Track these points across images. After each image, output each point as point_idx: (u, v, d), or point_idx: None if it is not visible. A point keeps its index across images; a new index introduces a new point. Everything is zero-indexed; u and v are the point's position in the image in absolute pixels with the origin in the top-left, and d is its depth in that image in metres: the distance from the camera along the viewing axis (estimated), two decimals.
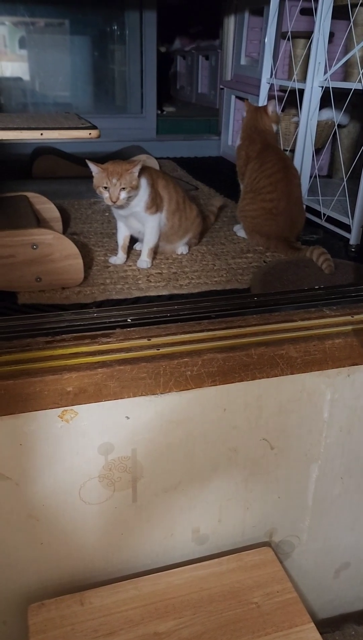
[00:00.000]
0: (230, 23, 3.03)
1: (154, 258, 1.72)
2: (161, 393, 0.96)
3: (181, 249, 1.79)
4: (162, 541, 1.12)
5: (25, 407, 0.90)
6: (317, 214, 1.97)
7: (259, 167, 1.83)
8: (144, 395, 0.95)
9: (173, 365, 0.95)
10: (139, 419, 0.98)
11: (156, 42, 3.14)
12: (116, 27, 3.16)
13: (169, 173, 2.77)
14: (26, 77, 3.21)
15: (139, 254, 1.71)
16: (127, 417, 0.98)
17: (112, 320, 1.10)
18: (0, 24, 3.08)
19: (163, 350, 0.98)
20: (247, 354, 0.98)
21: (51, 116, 1.71)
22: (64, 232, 1.91)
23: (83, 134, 1.46)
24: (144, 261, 1.68)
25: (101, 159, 1.65)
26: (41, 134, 1.43)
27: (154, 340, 1.01)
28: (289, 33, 2.14)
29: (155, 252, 1.72)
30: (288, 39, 2.20)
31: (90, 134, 1.47)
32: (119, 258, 1.71)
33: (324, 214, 1.92)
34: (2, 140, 1.44)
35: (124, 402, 0.95)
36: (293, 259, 1.73)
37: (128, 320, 1.10)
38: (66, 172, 2.59)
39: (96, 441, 0.98)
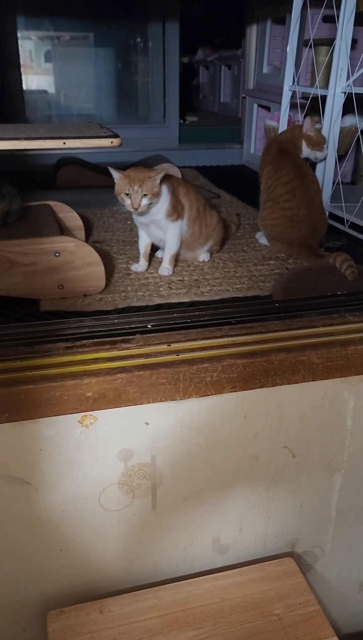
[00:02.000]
0: (252, 32, 3.03)
1: (175, 265, 1.72)
2: (181, 399, 0.95)
3: (203, 256, 1.79)
4: (182, 550, 1.11)
5: (45, 412, 0.90)
6: (340, 220, 1.95)
7: (274, 173, 1.82)
8: (163, 401, 0.95)
9: (193, 371, 0.94)
10: (159, 425, 0.97)
11: (179, 53, 3.16)
12: (139, 39, 3.19)
13: (191, 182, 2.78)
14: (51, 89, 3.26)
15: (160, 262, 1.71)
16: (147, 423, 0.97)
17: (132, 326, 1.09)
18: (26, 38, 3.14)
19: (182, 356, 0.97)
20: (268, 360, 0.97)
21: (74, 126, 1.72)
22: (87, 240, 1.92)
23: (105, 142, 1.47)
24: (165, 268, 1.68)
25: (123, 169, 1.67)
26: (64, 142, 1.45)
27: (174, 346, 1.00)
28: (311, 40, 2.13)
29: (176, 259, 1.72)
30: (311, 47, 2.19)
31: (111, 142, 1.48)
32: (140, 265, 1.71)
33: (347, 221, 1.90)
34: (26, 149, 1.45)
35: (143, 407, 0.95)
36: (316, 266, 1.71)
37: (148, 326, 1.09)
38: (89, 181, 2.61)
39: (115, 447, 0.97)
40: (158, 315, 1.14)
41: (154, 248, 1.76)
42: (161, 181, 1.56)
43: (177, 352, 0.98)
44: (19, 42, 2.96)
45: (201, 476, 1.04)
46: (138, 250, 1.73)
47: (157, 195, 1.54)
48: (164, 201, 1.60)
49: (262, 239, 1.94)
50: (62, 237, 1.51)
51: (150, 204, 1.53)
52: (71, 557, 1.04)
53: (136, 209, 1.51)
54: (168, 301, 1.53)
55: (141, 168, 1.57)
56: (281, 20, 2.81)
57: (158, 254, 1.79)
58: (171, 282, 1.64)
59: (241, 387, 0.97)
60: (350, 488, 1.15)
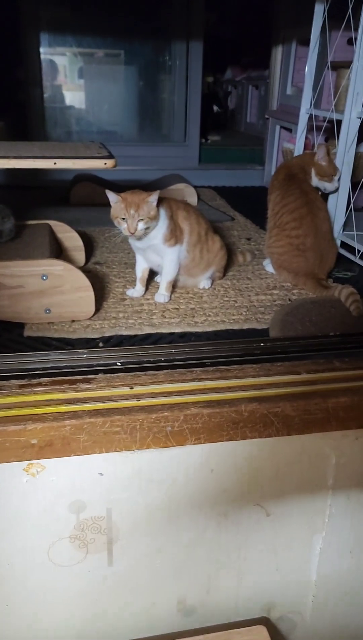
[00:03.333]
0: (278, 53, 2.95)
1: (173, 292, 1.63)
2: (138, 449, 0.86)
3: (204, 283, 1.69)
4: (143, 611, 1.00)
5: None
6: (353, 250, 1.83)
7: (281, 199, 1.72)
8: (118, 450, 0.85)
9: (151, 420, 0.84)
10: (115, 476, 0.88)
11: (202, 72, 3.10)
12: (162, 58, 3.14)
13: (207, 202, 2.69)
14: (73, 106, 3.23)
15: (158, 287, 1.62)
16: (101, 474, 0.87)
17: (100, 362, 1.01)
18: (48, 54, 3.13)
19: (143, 402, 0.88)
20: (236, 410, 0.86)
21: (71, 145, 1.66)
22: (88, 261, 1.86)
23: (98, 163, 1.40)
24: (161, 295, 1.59)
25: (140, 187, 1.59)
26: (55, 162, 1.38)
27: (137, 389, 0.91)
28: (328, 63, 2.03)
29: (174, 285, 1.63)
30: (331, 69, 2.09)
31: (105, 163, 1.40)
32: (136, 291, 1.63)
33: (359, 251, 1.78)
34: (16, 168, 1.39)
35: (96, 457, 0.85)
36: (319, 299, 1.59)
37: (118, 363, 1.00)
38: (103, 199, 2.54)
39: (65, 498, 0.88)
40: (129, 351, 1.04)
41: (154, 272, 1.68)
42: (159, 204, 1.48)
43: (139, 396, 0.89)
44: (42, 57, 2.94)
45: (163, 532, 0.93)
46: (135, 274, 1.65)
47: (154, 218, 1.46)
48: (161, 226, 1.52)
49: (269, 267, 1.84)
50: (50, 260, 1.43)
51: (147, 228, 1.45)
52: (18, 614, 0.95)
53: (133, 234, 1.43)
54: (158, 331, 1.44)
55: (138, 191, 1.49)
56: (307, 41, 2.71)
57: (157, 278, 1.70)
58: (166, 310, 1.55)
59: (206, 439, 0.87)
60: (332, 550, 1.03)
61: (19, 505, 0.87)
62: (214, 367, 0.97)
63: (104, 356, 1.02)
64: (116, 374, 0.94)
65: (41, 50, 2.93)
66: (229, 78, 3.95)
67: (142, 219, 1.43)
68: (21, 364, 0.98)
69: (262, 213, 2.43)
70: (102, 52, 3.14)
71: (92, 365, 0.99)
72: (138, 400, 0.87)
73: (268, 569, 1.02)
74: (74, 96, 3.16)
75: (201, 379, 0.94)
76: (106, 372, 0.96)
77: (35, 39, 2.94)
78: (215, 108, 3.67)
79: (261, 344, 1.08)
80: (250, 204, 2.69)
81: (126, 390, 0.90)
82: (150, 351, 1.05)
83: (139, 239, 1.48)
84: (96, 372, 0.95)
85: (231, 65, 3.93)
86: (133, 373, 0.95)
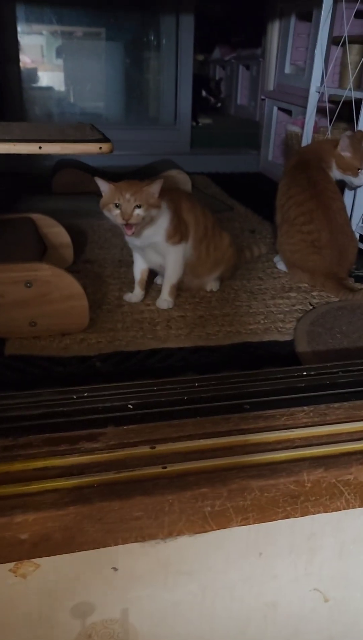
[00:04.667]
0: (274, 29, 2.68)
1: (177, 296, 1.38)
2: (166, 538, 0.62)
3: (211, 284, 1.45)
4: None
5: None
6: None
7: (287, 189, 1.49)
8: (140, 541, 0.61)
9: (185, 499, 0.60)
10: (133, 570, 0.64)
11: (194, 49, 2.81)
12: (150, 33, 2.84)
13: (202, 190, 2.43)
14: (54, 86, 2.93)
15: (160, 290, 1.38)
16: (115, 569, 0.64)
17: (106, 405, 0.76)
18: (26, 31, 2.81)
19: (171, 468, 0.64)
20: (296, 482, 0.63)
21: (57, 126, 1.39)
22: (77, 260, 1.60)
23: (92, 147, 1.13)
24: (164, 301, 1.35)
25: (129, 174, 1.34)
26: (40, 147, 1.11)
27: (160, 449, 0.67)
28: (345, 37, 1.78)
29: (179, 288, 1.39)
30: (341, 45, 1.84)
31: (100, 147, 1.14)
32: (135, 295, 1.38)
33: None
34: None
35: (109, 550, 0.61)
36: (348, 304, 1.36)
37: (129, 405, 0.76)
38: (89, 187, 2.26)
39: (67, 601, 0.64)
40: (141, 387, 0.80)
41: (154, 272, 1.43)
42: (160, 197, 1.22)
43: (163, 459, 0.65)
44: (18, 32, 2.62)
45: (194, 633, 0.70)
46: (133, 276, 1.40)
47: (155, 207, 1.21)
48: (163, 220, 1.26)
49: (281, 264, 1.60)
50: (35, 264, 1.18)
51: (144, 217, 1.19)
52: None
53: (127, 221, 1.17)
54: (165, 345, 1.20)
55: (135, 181, 1.23)
56: (307, 16, 2.45)
57: (157, 280, 1.46)
58: (171, 319, 1.31)
59: (256, 518, 0.63)
60: None
61: (3, 615, 0.62)
62: (255, 413, 0.73)
63: (111, 395, 0.78)
64: (129, 426, 0.70)
65: (18, 25, 2.61)
66: (217, 58, 3.66)
67: (139, 205, 1.17)
68: (2, 409, 0.73)
69: (263, 201, 2.19)
70: (85, 27, 2.83)
71: (97, 410, 0.74)
72: (163, 468, 0.63)
73: None
74: (55, 75, 2.85)
75: (240, 431, 0.70)
76: (115, 420, 0.72)
77: (10, 11, 2.62)
78: (212, 100, 3.39)
79: (305, 374, 0.85)
80: (248, 191, 2.44)
81: (145, 450, 0.66)
82: (167, 386, 0.80)
83: (134, 230, 1.21)
84: (104, 422, 0.71)
85: (219, 44, 3.64)
86: (151, 423, 0.71)
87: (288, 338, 1.23)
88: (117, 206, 1.18)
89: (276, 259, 1.63)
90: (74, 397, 0.78)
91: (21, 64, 2.68)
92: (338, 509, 0.65)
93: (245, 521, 0.63)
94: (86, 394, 0.79)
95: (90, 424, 0.71)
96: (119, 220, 1.18)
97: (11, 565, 0.59)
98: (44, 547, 0.58)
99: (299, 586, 0.72)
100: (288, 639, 0.75)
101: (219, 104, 3.53)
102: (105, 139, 1.17)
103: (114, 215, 1.18)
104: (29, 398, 0.77)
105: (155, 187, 1.19)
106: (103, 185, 1.19)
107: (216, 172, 2.74)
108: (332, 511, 0.66)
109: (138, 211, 1.17)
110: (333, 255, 1.46)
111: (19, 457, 0.65)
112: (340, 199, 1.54)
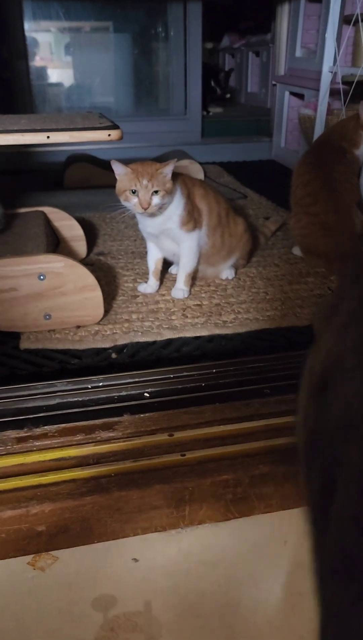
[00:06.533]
0: (284, 12, 2.63)
1: (192, 285, 1.36)
2: (187, 526, 0.60)
3: (226, 272, 1.42)
4: None
5: None
6: None
7: (297, 168, 1.45)
8: (160, 530, 0.59)
9: (206, 486, 0.58)
10: (154, 561, 0.62)
11: (202, 37, 2.78)
12: (158, 23, 2.81)
13: (215, 179, 2.40)
14: (63, 81, 2.91)
15: (174, 280, 1.36)
16: (135, 560, 0.62)
17: (122, 394, 0.74)
18: (34, 26, 2.80)
19: (190, 455, 0.62)
20: None
21: (66, 116, 1.37)
22: (90, 252, 1.58)
23: (100, 135, 1.12)
24: (180, 290, 1.33)
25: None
26: (48, 136, 1.10)
27: (178, 436, 0.65)
28: (357, 14, 1.74)
29: (194, 278, 1.36)
30: (354, 23, 1.80)
31: (109, 135, 1.12)
32: (150, 286, 1.36)
33: None
34: (2, 145, 1.11)
35: (129, 540, 0.60)
36: None
37: (145, 394, 0.74)
38: (101, 181, 2.25)
39: (88, 594, 0.62)
40: (158, 375, 0.78)
41: (168, 263, 1.41)
42: (173, 181, 1.20)
43: (182, 446, 0.63)
44: (25, 27, 2.61)
45: (218, 625, 0.68)
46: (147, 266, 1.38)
47: (170, 192, 1.19)
48: (177, 206, 1.24)
49: (296, 250, 1.57)
50: (48, 256, 1.16)
51: (162, 204, 1.18)
52: None
53: (146, 209, 1.16)
54: (181, 335, 1.18)
55: (150, 162, 1.21)
56: None
57: (172, 269, 1.44)
58: (187, 308, 1.28)
59: (279, 505, 0.61)
60: None
61: (22, 609, 0.61)
62: (277, 397, 0.70)
63: (127, 384, 0.76)
64: (146, 414, 0.68)
65: (26, 21, 2.60)
66: (227, 46, 3.62)
67: (157, 191, 1.15)
68: (17, 401, 0.72)
69: (276, 188, 2.15)
70: (93, 21, 2.80)
71: (113, 400, 0.72)
72: (182, 456, 0.61)
73: None
74: (64, 70, 2.84)
75: (261, 416, 0.67)
76: (131, 409, 0.70)
77: (18, 7, 2.61)
78: (218, 91, 3.34)
79: None
80: (261, 179, 2.40)
81: (163, 438, 0.64)
82: (184, 374, 0.78)
83: (153, 215, 1.19)
84: (120, 411, 0.69)
85: (228, 31, 3.59)
86: (169, 410, 0.69)
87: (307, 323, 1.20)
88: (134, 192, 1.16)
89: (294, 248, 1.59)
90: (89, 387, 0.76)
91: (30, 61, 2.67)
92: None
93: (269, 508, 0.61)
94: (101, 384, 0.77)
95: (106, 413, 0.69)
96: (138, 209, 1.17)
97: (29, 558, 0.58)
98: (61, 538, 0.56)
99: None
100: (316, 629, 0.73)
101: (228, 95, 3.49)
102: (114, 126, 1.15)
103: (133, 203, 1.17)
104: (43, 389, 0.76)
105: (168, 168, 1.17)
106: (119, 168, 1.17)
107: (228, 161, 2.70)
108: None
109: (155, 199, 1.16)
110: (345, 237, 1.42)
111: (34, 448, 0.63)
112: (351, 180, 1.50)
